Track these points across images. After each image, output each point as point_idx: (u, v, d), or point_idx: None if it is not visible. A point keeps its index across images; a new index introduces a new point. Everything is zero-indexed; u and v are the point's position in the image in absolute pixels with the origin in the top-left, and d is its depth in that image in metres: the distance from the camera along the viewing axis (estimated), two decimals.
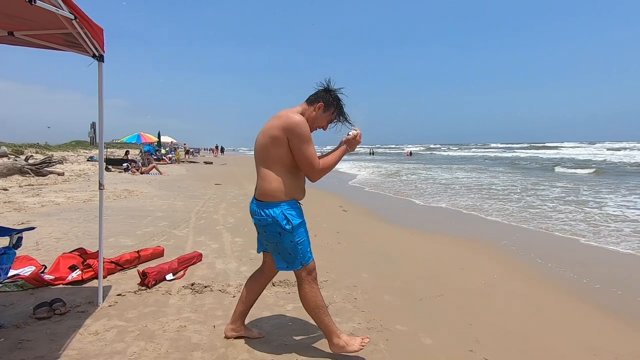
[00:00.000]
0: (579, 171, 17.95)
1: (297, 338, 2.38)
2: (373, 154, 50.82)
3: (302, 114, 2.05)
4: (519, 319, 2.82)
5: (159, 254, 3.87)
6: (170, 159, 24.16)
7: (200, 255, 3.89)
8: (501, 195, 9.74)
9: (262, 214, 2.02)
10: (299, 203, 2.13)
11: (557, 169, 19.47)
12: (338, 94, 2.15)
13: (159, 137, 27.52)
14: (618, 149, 42.21)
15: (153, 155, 21.16)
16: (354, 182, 14.52)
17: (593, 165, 20.65)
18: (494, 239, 5.33)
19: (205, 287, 3.12)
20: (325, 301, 2.93)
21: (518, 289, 3.45)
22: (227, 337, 2.27)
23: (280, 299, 2.96)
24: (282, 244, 2.02)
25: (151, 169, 15.18)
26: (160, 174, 14.82)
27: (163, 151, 27.30)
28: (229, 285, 3.20)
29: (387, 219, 6.93)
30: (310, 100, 2.12)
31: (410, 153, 50.35)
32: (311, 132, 2.06)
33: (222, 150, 48.82)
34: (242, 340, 2.27)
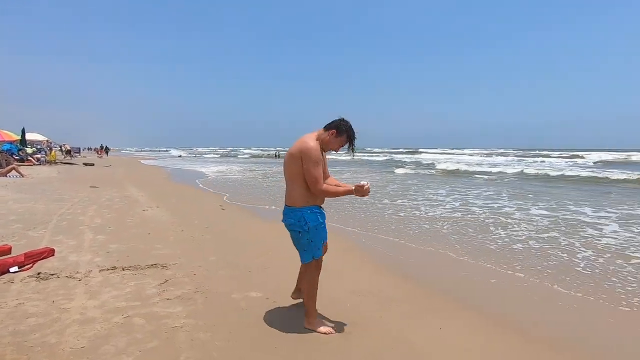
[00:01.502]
0: (420, 171, 21.99)
1: (129, 303, 2.97)
2: (278, 157, 50.81)
3: (318, 137, 2.58)
4: None
5: (5, 252, 3.97)
6: (38, 159, 21.21)
7: (52, 250, 4.12)
8: None
9: (288, 216, 2.62)
10: (321, 207, 2.67)
11: (397, 170, 22.58)
12: (350, 124, 2.61)
13: (23, 134, 23.86)
14: (489, 155, 49.88)
15: (14, 156, 18.44)
16: (200, 180, 15.09)
17: (438, 169, 24.11)
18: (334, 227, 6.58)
19: (52, 274, 3.47)
20: (168, 278, 3.60)
21: (330, 261, 4.56)
22: (293, 298, 3.08)
23: (125, 279, 3.49)
24: (299, 241, 2.62)
25: (9, 171, 13.38)
26: (22, 176, 13.19)
27: (29, 150, 23.77)
28: (77, 272, 3.60)
29: (260, 214, 7.76)
30: (327, 127, 2.61)
31: None
32: (325, 152, 2.64)
33: (107, 150, 44.23)
34: (76, 306, 2.79)
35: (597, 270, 4.23)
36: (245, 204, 9.06)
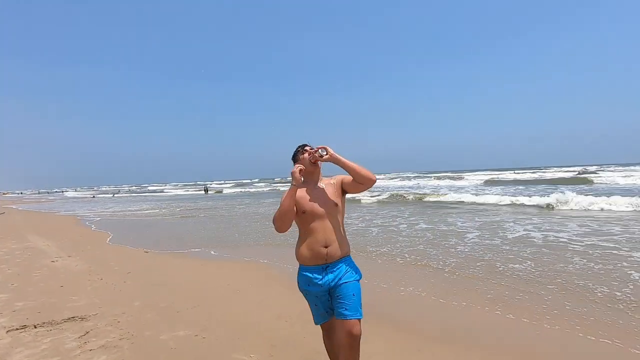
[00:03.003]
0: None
1: None
2: (207, 192, 47.95)
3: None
4: (244, 308, 4.07)
5: None
6: None
7: None
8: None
9: None
10: (319, 266, 2.13)
11: None
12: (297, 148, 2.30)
13: None
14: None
15: None
16: (91, 224, 14.19)
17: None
18: (255, 260, 6.79)
19: None
20: (89, 329, 3.52)
21: (257, 291, 4.80)
22: None
23: (38, 337, 3.32)
24: None
25: None
26: None
27: None
28: None
29: (187, 254, 7.60)
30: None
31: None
32: (310, 172, 2.22)
33: None
34: None
35: (460, 273, 5.13)
36: (169, 250, 8.78)
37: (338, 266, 2.15)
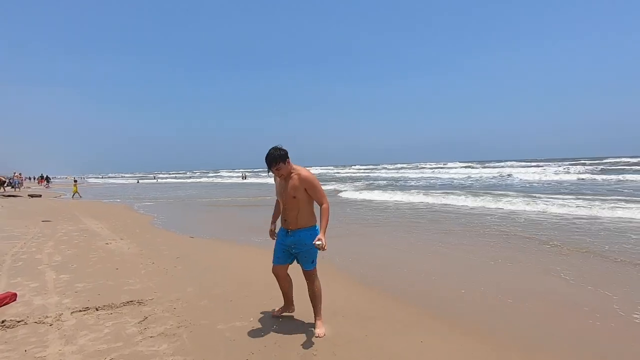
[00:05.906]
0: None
1: (110, 345, 2.87)
2: (245, 178, 49.95)
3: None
4: (297, 303, 3.93)
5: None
6: None
7: (15, 295, 3.85)
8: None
9: None
10: (285, 230, 3.16)
11: None
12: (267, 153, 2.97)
13: None
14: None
15: None
16: (139, 208, 14.74)
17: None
18: None
19: (19, 321, 3.25)
20: (147, 314, 3.51)
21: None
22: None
23: (100, 320, 3.35)
24: None
25: None
26: None
27: None
28: (46, 317, 3.40)
29: (230, 241, 7.65)
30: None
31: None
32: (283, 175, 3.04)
33: (48, 180, 41.22)
34: (53, 353, 2.66)
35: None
36: (214, 236, 8.88)
37: (297, 234, 3.09)
